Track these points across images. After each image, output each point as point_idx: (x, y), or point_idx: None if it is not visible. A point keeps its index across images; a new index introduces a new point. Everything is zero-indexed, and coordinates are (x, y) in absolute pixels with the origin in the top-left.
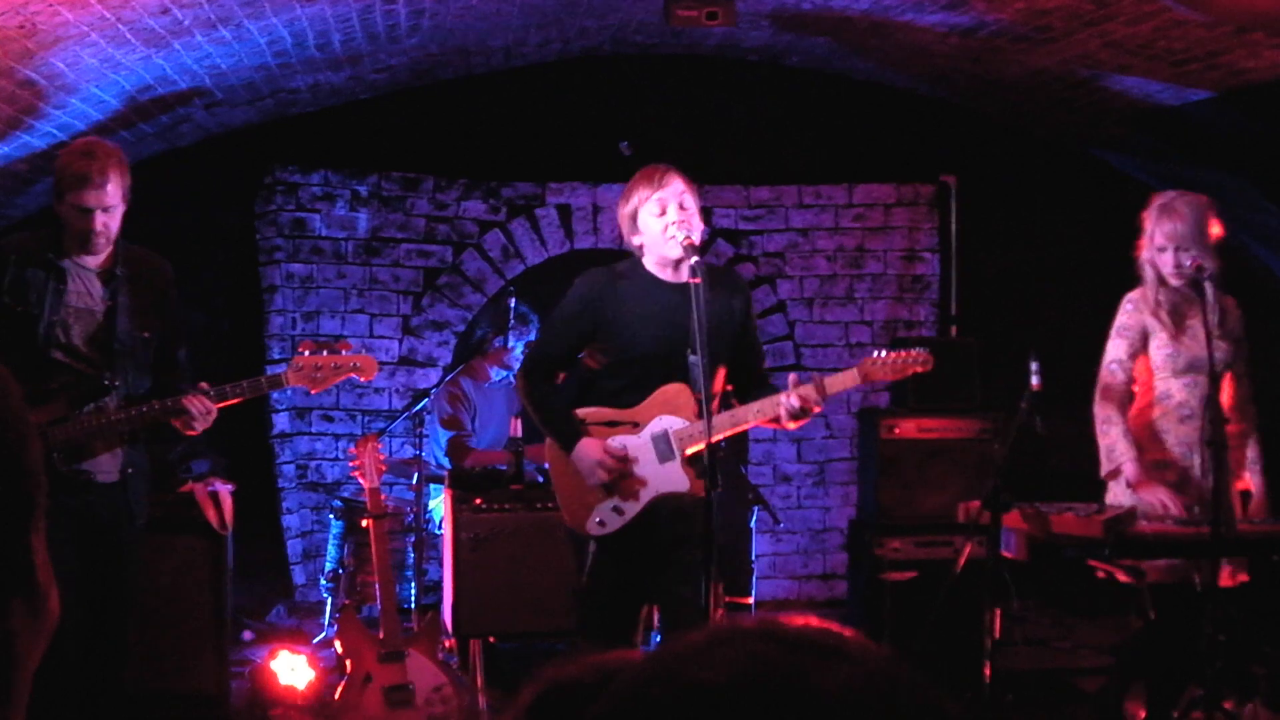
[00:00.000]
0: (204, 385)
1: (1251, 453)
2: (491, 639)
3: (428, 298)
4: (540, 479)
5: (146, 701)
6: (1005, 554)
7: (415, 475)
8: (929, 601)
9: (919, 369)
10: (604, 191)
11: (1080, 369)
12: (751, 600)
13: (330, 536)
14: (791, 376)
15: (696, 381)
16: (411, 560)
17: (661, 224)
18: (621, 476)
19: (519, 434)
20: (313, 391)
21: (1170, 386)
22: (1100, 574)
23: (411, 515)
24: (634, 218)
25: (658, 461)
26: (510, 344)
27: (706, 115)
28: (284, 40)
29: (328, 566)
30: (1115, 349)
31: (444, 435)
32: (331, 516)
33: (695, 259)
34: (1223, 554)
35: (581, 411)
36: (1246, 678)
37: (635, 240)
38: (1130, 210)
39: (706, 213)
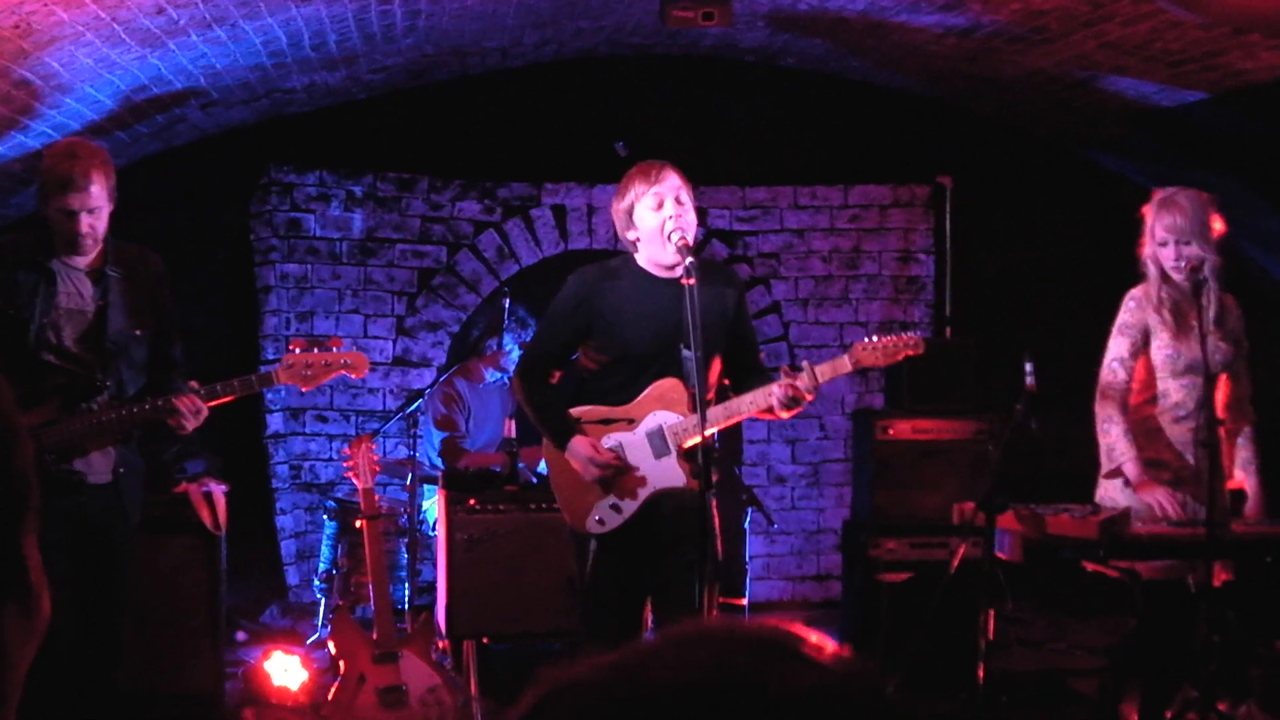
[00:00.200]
0: (193, 384)
1: (1247, 453)
2: (485, 640)
3: (422, 298)
4: (534, 480)
5: (140, 702)
6: (1000, 555)
7: (409, 476)
8: (924, 603)
9: (911, 352)
10: (599, 192)
11: (1076, 369)
12: (745, 602)
13: (324, 537)
14: (784, 366)
15: (690, 376)
16: (405, 561)
17: (659, 219)
18: (618, 474)
19: (513, 435)
20: (304, 389)
21: (1168, 386)
22: (1091, 569)
23: (405, 516)
24: (630, 213)
25: (654, 457)
26: (506, 346)
27: (702, 116)
28: (279, 40)
29: (321, 567)
30: (1117, 347)
31: (438, 436)
32: (325, 517)
33: (690, 259)
34: (1218, 556)
35: (577, 410)
36: (1241, 679)
37: (630, 236)
38: (1126, 211)
39: (702, 213)
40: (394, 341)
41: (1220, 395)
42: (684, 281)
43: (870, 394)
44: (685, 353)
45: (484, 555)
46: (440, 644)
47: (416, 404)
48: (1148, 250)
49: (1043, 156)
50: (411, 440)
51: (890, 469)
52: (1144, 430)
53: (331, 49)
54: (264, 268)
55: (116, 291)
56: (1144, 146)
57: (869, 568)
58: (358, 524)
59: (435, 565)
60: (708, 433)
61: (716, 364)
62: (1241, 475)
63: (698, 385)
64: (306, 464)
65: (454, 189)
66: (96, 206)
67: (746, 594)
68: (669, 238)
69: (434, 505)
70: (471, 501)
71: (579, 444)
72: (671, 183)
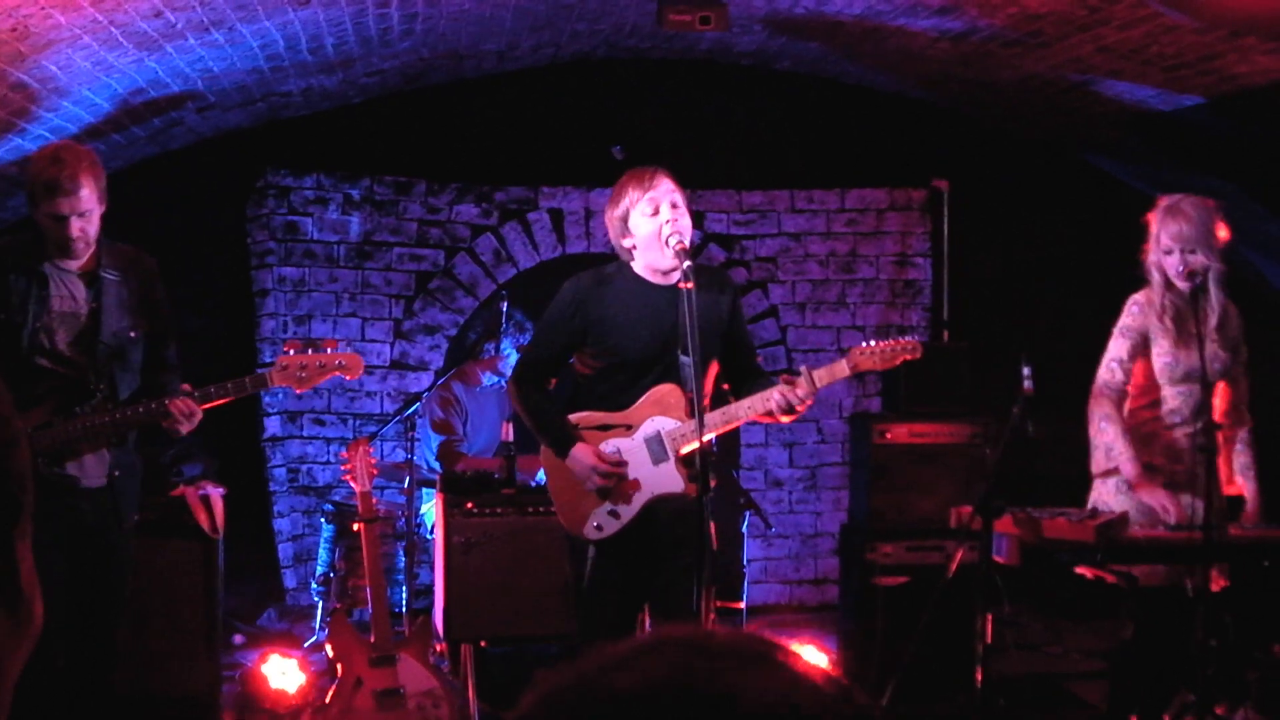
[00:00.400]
0: (186, 386)
1: (1245, 458)
2: (483, 643)
3: (419, 302)
4: (533, 484)
5: (136, 705)
6: (997, 559)
7: (406, 479)
8: (921, 606)
9: (909, 357)
10: (596, 196)
11: (1073, 373)
12: (743, 605)
13: (321, 540)
14: (783, 376)
15: (687, 381)
16: (403, 564)
17: (655, 224)
18: (616, 480)
19: (510, 439)
20: (298, 391)
21: (1165, 393)
22: (1089, 576)
23: (403, 519)
24: (625, 220)
25: (651, 463)
26: (503, 350)
27: (699, 120)
28: (276, 43)
29: (319, 570)
30: (1117, 348)
31: (435, 439)
32: (323, 520)
33: (687, 264)
34: (1215, 560)
35: (574, 416)
36: (1238, 683)
37: (625, 243)
38: (1121, 215)
39: (699, 217)
40: (391, 345)
41: (1218, 401)
42: (682, 285)
43: (867, 398)
44: (683, 358)
45: (481, 558)
46: (438, 647)
47: (414, 407)
48: (1152, 257)
49: (1039, 160)
50: (409, 444)
51: (887, 473)
52: (1139, 435)
53: (328, 52)
54: (261, 271)
55: (110, 293)
56: (1140, 150)
57: (866, 571)
58: (355, 527)
59: (433, 568)
60: (706, 438)
61: (713, 369)
62: (1240, 480)
63: (695, 390)
64: (304, 467)
65: (451, 192)
66: (87, 210)
67: (744, 597)
68: (666, 242)
69: (431, 508)
70: (469, 505)
71: (581, 452)
72: (666, 187)
